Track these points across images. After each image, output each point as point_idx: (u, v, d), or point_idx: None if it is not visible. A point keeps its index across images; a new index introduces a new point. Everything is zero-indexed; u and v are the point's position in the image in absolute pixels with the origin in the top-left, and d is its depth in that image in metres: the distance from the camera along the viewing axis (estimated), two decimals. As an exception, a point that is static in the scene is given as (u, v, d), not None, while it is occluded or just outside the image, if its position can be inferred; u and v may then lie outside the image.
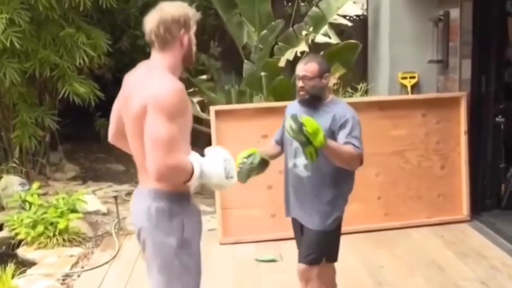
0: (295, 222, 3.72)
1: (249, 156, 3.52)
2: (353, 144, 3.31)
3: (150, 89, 2.61)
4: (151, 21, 2.71)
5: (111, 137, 3.03)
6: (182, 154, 2.65)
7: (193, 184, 2.67)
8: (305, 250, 3.58)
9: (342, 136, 3.35)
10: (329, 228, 3.53)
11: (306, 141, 3.09)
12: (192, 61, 2.85)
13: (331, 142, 3.22)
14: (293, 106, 3.64)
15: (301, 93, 3.50)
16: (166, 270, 2.73)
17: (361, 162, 3.37)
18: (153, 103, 2.56)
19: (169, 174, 2.58)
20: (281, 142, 3.74)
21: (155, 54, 2.75)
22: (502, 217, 5.89)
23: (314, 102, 3.50)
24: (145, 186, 2.77)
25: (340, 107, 3.50)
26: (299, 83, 3.49)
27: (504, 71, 6.37)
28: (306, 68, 3.48)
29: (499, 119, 5.96)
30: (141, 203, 2.77)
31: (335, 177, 3.46)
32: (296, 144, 3.37)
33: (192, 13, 2.78)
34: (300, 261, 3.61)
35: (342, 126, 3.37)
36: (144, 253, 2.84)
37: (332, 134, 3.37)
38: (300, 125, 3.07)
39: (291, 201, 3.64)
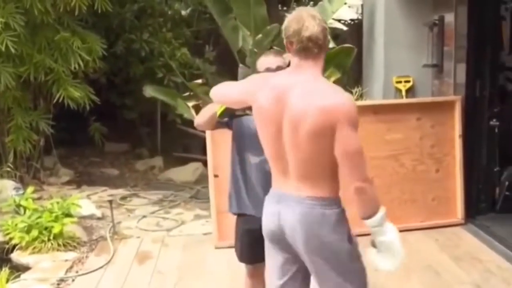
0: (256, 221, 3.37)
1: None
2: None
3: (330, 100, 2.63)
4: (314, 27, 2.71)
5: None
6: None
7: (372, 222, 2.70)
8: None
9: None
10: None
11: None
12: None
13: None
14: None
15: None
16: (344, 272, 2.79)
17: None
18: (345, 116, 2.59)
19: (369, 187, 2.65)
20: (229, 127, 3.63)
21: (307, 62, 2.74)
22: (497, 220, 5.89)
23: None
24: (312, 197, 2.74)
25: None
26: None
27: (499, 75, 6.37)
28: (278, 60, 3.45)
29: (494, 122, 5.97)
30: (317, 214, 2.74)
31: None
32: None
33: None
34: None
35: None
36: (316, 257, 2.79)
37: None
38: None
39: (260, 199, 3.33)
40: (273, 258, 2.97)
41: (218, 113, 3.45)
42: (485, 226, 5.77)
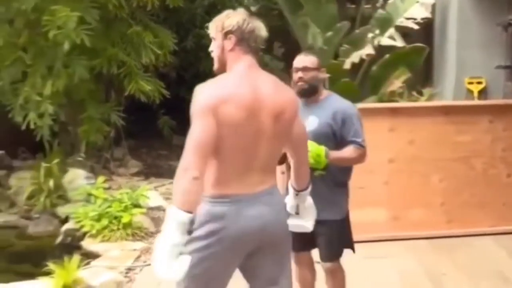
0: None
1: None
2: (357, 143, 3.43)
3: (292, 92, 2.86)
4: (264, 28, 2.72)
5: None
6: None
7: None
8: (329, 247, 3.58)
9: (346, 134, 3.45)
10: (345, 216, 3.59)
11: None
12: None
13: (333, 155, 3.36)
14: None
15: (300, 83, 3.51)
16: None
17: (366, 155, 3.52)
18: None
19: None
20: None
21: (255, 60, 2.70)
22: None
23: (311, 93, 3.53)
24: (274, 186, 2.76)
25: (337, 101, 3.56)
26: (298, 74, 3.51)
27: None
28: (307, 59, 3.54)
29: None
30: (280, 202, 2.82)
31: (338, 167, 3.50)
32: None
33: None
34: (326, 259, 3.60)
35: (344, 123, 3.45)
36: (279, 248, 2.76)
37: (330, 127, 3.43)
38: None
39: None
40: (227, 267, 2.71)
41: None
42: (557, 234, 5.61)
